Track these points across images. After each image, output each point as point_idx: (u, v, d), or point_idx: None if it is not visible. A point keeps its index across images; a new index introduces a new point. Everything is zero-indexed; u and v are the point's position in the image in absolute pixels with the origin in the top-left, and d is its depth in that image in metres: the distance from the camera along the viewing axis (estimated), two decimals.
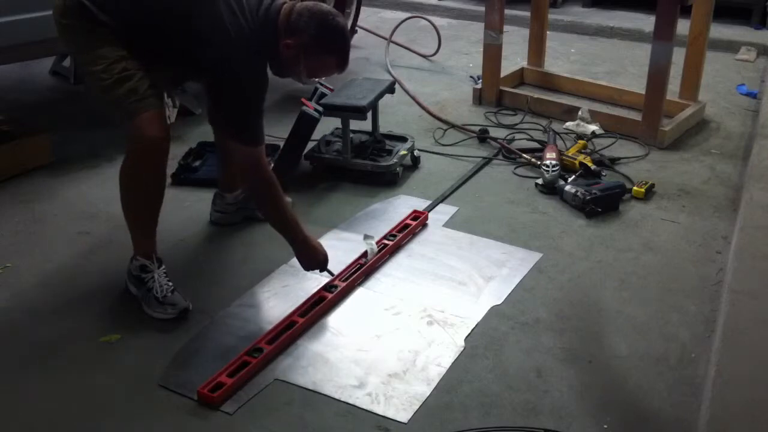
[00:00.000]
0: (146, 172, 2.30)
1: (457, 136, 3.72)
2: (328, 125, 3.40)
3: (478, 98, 4.13)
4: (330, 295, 2.43)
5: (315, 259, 2.46)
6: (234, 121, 2.31)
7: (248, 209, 2.90)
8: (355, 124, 3.26)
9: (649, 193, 3.13)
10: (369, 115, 3.26)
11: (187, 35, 2.24)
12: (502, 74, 4.13)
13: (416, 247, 2.80)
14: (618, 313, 2.42)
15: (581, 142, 3.54)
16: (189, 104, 3.84)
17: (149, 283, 2.37)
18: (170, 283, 2.38)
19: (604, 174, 3.22)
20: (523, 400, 2.05)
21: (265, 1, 2.26)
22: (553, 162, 3.17)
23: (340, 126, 3.25)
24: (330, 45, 2.28)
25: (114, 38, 2.22)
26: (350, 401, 2.05)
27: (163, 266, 2.41)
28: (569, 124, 3.74)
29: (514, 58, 4.64)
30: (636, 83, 4.14)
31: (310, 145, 3.31)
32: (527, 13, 4.32)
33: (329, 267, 2.50)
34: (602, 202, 2.97)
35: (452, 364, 2.18)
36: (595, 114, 3.76)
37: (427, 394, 2.07)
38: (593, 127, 3.67)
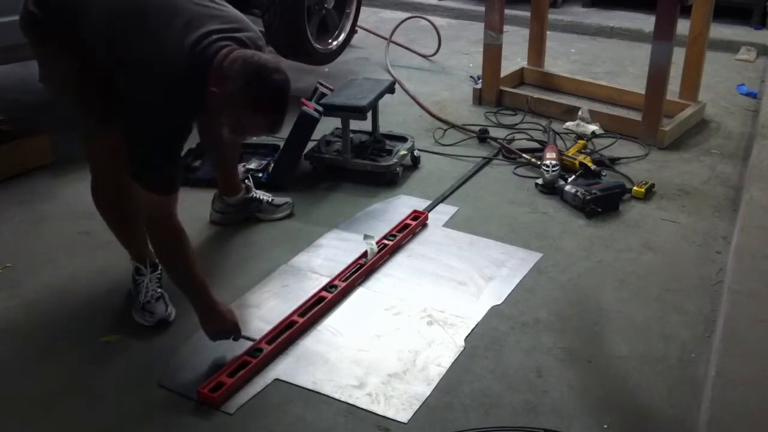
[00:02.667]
0: (107, 193, 2.29)
1: (457, 136, 3.72)
2: (328, 125, 3.40)
3: (478, 98, 4.13)
4: (330, 295, 2.43)
5: (222, 328, 2.18)
6: (137, 160, 2.05)
7: (247, 210, 2.90)
8: (355, 124, 3.26)
9: (649, 193, 3.13)
10: (369, 115, 3.26)
11: (110, 57, 2.04)
12: (502, 74, 4.13)
13: (416, 247, 2.80)
14: (618, 313, 2.42)
15: (581, 142, 3.54)
16: None
17: (139, 287, 2.37)
18: (159, 290, 2.38)
19: (604, 174, 3.21)
20: (523, 400, 2.05)
21: (205, 41, 1.97)
22: (553, 162, 3.17)
23: (340, 126, 3.25)
24: (257, 103, 1.96)
25: (63, 48, 2.11)
26: (350, 401, 2.05)
27: (159, 271, 2.41)
28: (569, 124, 3.74)
29: (514, 58, 4.64)
30: (636, 83, 4.13)
31: (310, 145, 3.31)
32: (527, 13, 4.32)
33: (246, 334, 2.24)
34: (602, 202, 2.97)
35: (452, 364, 2.18)
36: (595, 114, 3.76)
37: (427, 394, 2.07)
38: (593, 127, 3.67)
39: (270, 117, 2.02)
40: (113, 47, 2.02)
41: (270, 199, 2.93)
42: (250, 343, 2.20)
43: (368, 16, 5.79)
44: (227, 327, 2.18)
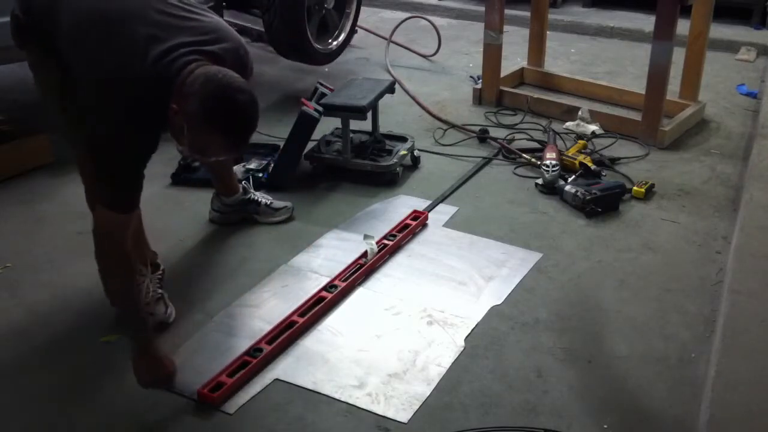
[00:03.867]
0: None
1: (457, 136, 3.72)
2: (328, 125, 3.40)
3: (478, 98, 4.12)
4: (330, 295, 2.43)
5: (156, 373, 2.03)
6: (97, 175, 1.96)
7: (246, 210, 2.90)
8: (355, 124, 3.26)
9: (649, 193, 3.13)
10: (369, 115, 3.26)
11: (81, 59, 1.97)
12: (502, 74, 4.13)
13: (416, 247, 2.80)
14: (618, 313, 2.42)
15: (581, 142, 3.54)
16: None
17: (139, 287, 2.35)
18: (159, 291, 2.37)
19: (604, 174, 3.21)
20: (523, 400, 2.05)
21: (171, 54, 1.87)
22: (553, 162, 3.17)
23: (340, 126, 3.25)
24: (215, 123, 1.83)
25: (46, 55, 2.08)
26: (350, 401, 2.05)
27: (160, 272, 2.41)
28: (569, 124, 3.74)
29: (514, 58, 4.63)
30: (636, 83, 4.13)
31: (310, 145, 3.31)
32: (527, 13, 4.32)
33: (178, 388, 2.08)
34: (602, 202, 2.97)
35: (452, 364, 2.18)
36: (595, 114, 3.76)
37: (427, 394, 2.07)
38: (593, 127, 3.67)
39: (229, 138, 1.87)
40: (78, 59, 1.95)
41: (269, 202, 2.92)
42: (260, 334, 2.20)
43: (368, 16, 5.79)
44: (161, 373, 2.04)
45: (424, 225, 2.92)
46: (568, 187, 3.06)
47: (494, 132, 3.70)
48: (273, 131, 3.62)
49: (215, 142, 1.87)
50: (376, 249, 2.64)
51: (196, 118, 1.82)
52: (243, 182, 2.94)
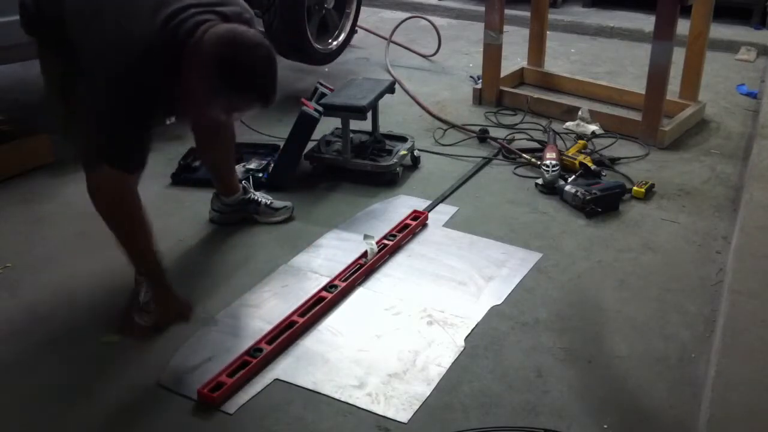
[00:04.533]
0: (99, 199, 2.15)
1: (457, 136, 3.72)
2: (328, 125, 3.40)
3: (478, 98, 4.13)
4: (330, 295, 2.43)
5: (177, 311, 2.22)
6: (97, 132, 2.00)
7: (246, 210, 2.90)
8: (355, 124, 3.26)
9: (649, 193, 3.13)
10: (369, 115, 3.26)
11: (85, 29, 1.98)
12: (502, 74, 4.13)
13: (416, 247, 2.80)
14: (618, 313, 2.42)
15: (581, 142, 3.54)
16: None
17: (139, 287, 2.36)
18: None
19: (604, 174, 3.22)
20: (523, 400, 2.05)
21: (180, 16, 1.86)
22: (553, 162, 3.17)
23: (340, 126, 3.25)
24: (242, 83, 1.88)
25: (52, 44, 2.10)
26: (350, 401, 2.04)
27: None
28: (569, 124, 3.74)
29: (514, 58, 4.63)
30: (636, 83, 4.13)
31: (310, 145, 3.31)
32: (527, 13, 4.32)
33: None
34: (602, 202, 2.97)
35: (452, 364, 2.18)
36: (595, 114, 3.76)
37: (427, 394, 2.07)
38: (593, 127, 3.67)
39: (253, 94, 1.91)
40: (85, 28, 1.94)
41: (269, 202, 2.92)
42: (261, 333, 2.22)
43: (368, 16, 5.79)
44: (182, 310, 2.22)
45: (424, 225, 2.92)
46: (568, 187, 3.06)
47: (494, 132, 3.70)
48: (273, 131, 3.62)
49: (250, 100, 1.92)
50: (376, 249, 2.64)
51: (217, 79, 1.83)
52: (243, 182, 2.94)
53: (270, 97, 1.94)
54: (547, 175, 3.14)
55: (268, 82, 1.92)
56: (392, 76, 4.37)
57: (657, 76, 3.50)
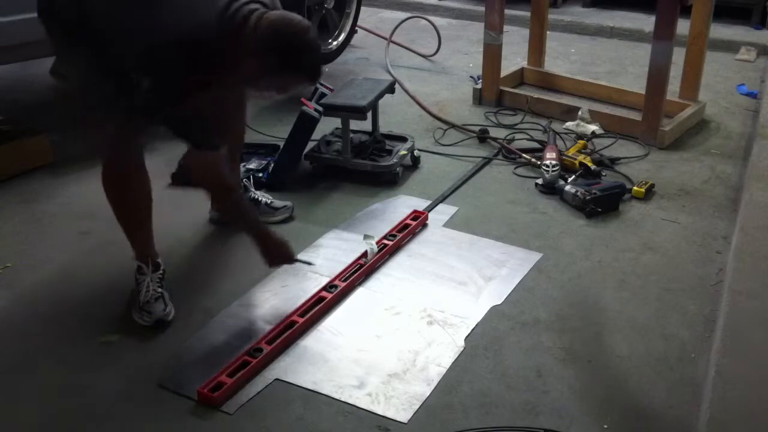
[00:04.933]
0: (119, 182, 2.28)
1: (457, 136, 3.72)
2: (328, 125, 3.40)
3: (478, 98, 4.13)
4: (330, 295, 2.43)
5: (279, 254, 2.45)
6: (197, 126, 2.22)
7: None
8: (355, 124, 3.26)
9: (649, 193, 3.13)
10: (369, 115, 3.26)
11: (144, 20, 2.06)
12: (502, 74, 4.13)
13: (416, 247, 2.80)
14: (618, 313, 2.42)
15: (581, 142, 3.54)
16: None
17: (140, 286, 2.37)
18: (159, 290, 2.37)
19: (604, 174, 3.22)
20: (523, 400, 2.05)
21: (234, 4, 2.03)
22: (553, 162, 3.17)
23: (340, 126, 3.25)
24: (294, 63, 2.07)
25: (80, 40, 2.13)
26: (350, 401, 2.05)
27: (160, 271, 2.41)
28: (569, 124, 3.74)
29: (514, 58, 4.63)
30: (636, 83, 4.13)
31: (310, 145, 3.31)
32: (527, 13, 4.32)
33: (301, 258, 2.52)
34: (602, 202, 2.97)
35: (452, 364, 2.18)
36: (595, 114, 3.76)
37: (427, 394, 2.07)
38: (593, 127, 3.67)
39: (307, 72, 2.13)
40: (141, 20, 2.04)
41: (269, 201, 2.93)
42: (261, 333, 2.24)
43: (368, 16, 5.79)
44: (284, 252, 2.44)
45: (424, 225, 2.92)
46: (568, 187, 3.06)
47: (494, 132, 3.70)
48: (273, 131, 3.62)
49: (300, 79, 2.15)
50: (376, 249, 2.64)
51: (279, 62, 2.04)
52: (243, 180, 2.94)
53: (317, 75, 2.18)
54: (547, 175, 3.14)
55: (316, 61, 2.19)
56: (392, 76, 4.36)
57: (657, 76, 3.50)
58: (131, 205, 2.36)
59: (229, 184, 2.37)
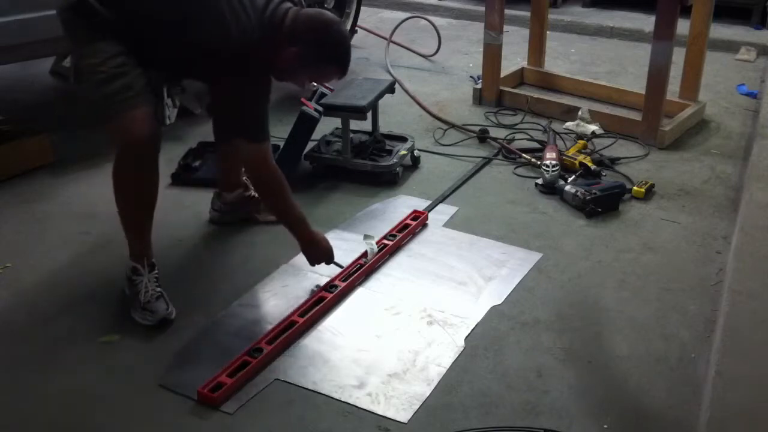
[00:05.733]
0: (135, 171, 2.27)
1: (457, 136, 3.72)
2: (328, 125, 3.40)
3: (478, 98, 4.13)
4: (330, 295, 2.43)
5: (322, 254, 2.53)
6: (242, 118, 2.34)
7: (245, 210, 2.90)
8: (355, 124, 3.26)
9: (649, 193, 3.13)
10: (369, 115, 3.26)
11: (190, 32, 2.24)
12: (502, 74, 4.13)
13: (416, 247, 2.80)
14: (618, 313, 2.42)
15: (581, 142, 3.54)
16: (189, 104, 3.84)
17: (138, 287, 2.36)
18: (158, 290, 2.37)
19: (604, 174, 3.22)
20: (523, 400, 2.05)
21: (271, 3, 2.27)
22: (553, 162, 3.17)
23: (340, 126, 3.25)
24: (330, 55, 2.33)
25: (112, 33, 2.20)
26: (350, 401, 2.05)
27: (156, 271, 2.40)
28: (569, 124, 3.74)
29: (514, 58, 4.63)
30: (636, 83, 4.13)
31: (310, 145, 3.31)
32: (527, 13, 4.32)
33: (336, 260, 2.56)
34: (602, 202, 2.97)
35: (452, 364, 2.18)
36: (595, 114, 3.76)
37: (427, 394, 2.07)
38: (593, 127, 3.67)
39: (341, 65, 2.35)
40: (183, 24, 2.22)
41: None
42: (260, 334, 2.24)
43: (368, 16, 5.79)
44: (323, 254, 2.53)
45: (424, 225, 2.92)
46: (568, 187, 3.06)
47: (494, 132, 3.70)
48: (273, 131, 3.56)
49: (329, 70, 2.37)
50: (376, 249, 2.64)
51: (314, 54, 2.28)
52: (244, 179, 2.94)
53: (347, 67, 2.36)
54: (547, 175, 3.14)
55: (348, 55, 2.36)
56: (392, 76, 4.36)
57: (657, 76, 3.50)
58: (138, 201, 2.33)
59: (284, 184, 2.42)
